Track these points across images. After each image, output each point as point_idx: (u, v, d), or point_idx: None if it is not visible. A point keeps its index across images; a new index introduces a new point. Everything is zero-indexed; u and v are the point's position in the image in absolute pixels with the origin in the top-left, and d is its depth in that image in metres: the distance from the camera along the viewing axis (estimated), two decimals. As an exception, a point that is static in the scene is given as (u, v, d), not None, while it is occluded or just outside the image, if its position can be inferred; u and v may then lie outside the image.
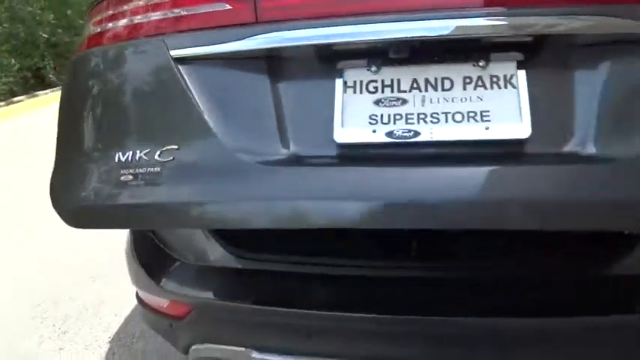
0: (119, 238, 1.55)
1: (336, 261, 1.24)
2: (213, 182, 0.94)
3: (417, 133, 0.91)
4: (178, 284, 1.27)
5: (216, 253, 1.26)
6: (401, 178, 0.89)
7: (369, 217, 0.89)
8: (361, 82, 0.97)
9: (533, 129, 0.88)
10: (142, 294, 1.38)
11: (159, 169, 0.94)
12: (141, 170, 0.95)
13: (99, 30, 1.11)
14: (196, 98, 0.96)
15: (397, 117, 0.93)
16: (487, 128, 0.89)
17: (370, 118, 0.94)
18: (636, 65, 0.87)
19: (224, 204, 0.94)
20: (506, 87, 0.91)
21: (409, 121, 0.92)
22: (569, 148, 0.87)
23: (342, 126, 0.95)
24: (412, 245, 1.22)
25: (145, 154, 0.95)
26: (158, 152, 0.95)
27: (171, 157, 0.94)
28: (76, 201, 1.02)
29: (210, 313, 1.27)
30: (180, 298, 1.26)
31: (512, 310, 1.08)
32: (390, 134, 0.92)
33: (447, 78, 0.94)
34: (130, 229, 1.35)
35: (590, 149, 0.86)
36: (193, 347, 1.29)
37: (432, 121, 0.91)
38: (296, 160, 0.96)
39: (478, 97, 0.92)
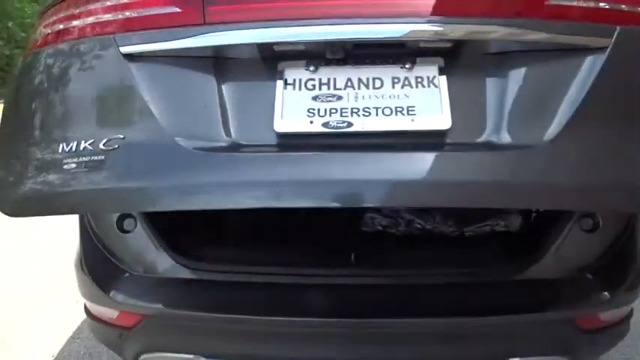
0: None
1: (280, 269, 1.32)
2: (156, 168, 1.00)
3: (350, 124, 1.01)
4: (128, 295, 1.30)
5: (166, 264, 1.30)
6: (335, 162, 0.99)
7: (304, 197, 0.98)
8: (300, 80, 1.07)
9: (453, 121, 1.00)
10: (90, 306, 1.40)
11: (103, 157, 0.99)
12: (85, 159, 0.99)
13: (49, 31, 1.15)
14: (144, 92, 1.02)
15: (333, 111, 1.03)
16: (413, 120, 1.01)
17: (308, 111, 1.03)
18: (537, 70, 1.03)
19: (166, 188, 1.00)
20: (429, 86, 1.04)
21: (343, 114, 1.02)
22: (484, 137, 1.02)
23: (282, 117, 1.03)
24: (350, 255, 1.34)
25: (89, 144, 1.00)
26: (103, 142, 1.00)
27: (116, 146, 0.99)
28: (18, 190, 1.04)
29: (159, 322, 1.31)
30: (129, 308, 1.30)
31: (434, 310, 1.24)
32: (325, 125, 1.01)
33: (378, 78, 1.06)
34: (77, 214, 1.36)
35: (502, 139, 1.01)
36: (143, 356, 1.32)
37: (364, 115, 1.02)
38: (237, 148, 1.03)
39: (405, 95, 1.04)
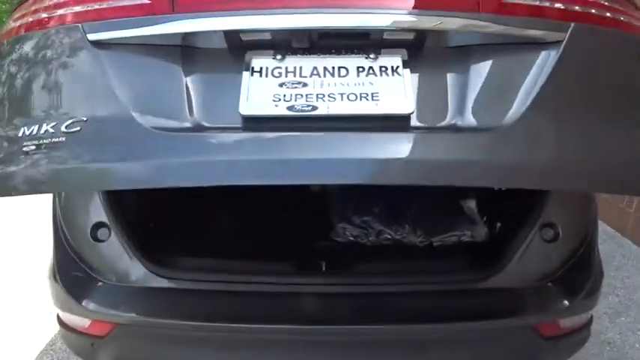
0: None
1: (254, 278, 1.35)
2: (116, 148, 1.00)
3: (315, 108, 1.03)
4: (100, 303, 1.31)
5: (139, 273, 1.31)
6: (298, 141, 1.01)
7: (266, 175, 1.00)
8: (267, 68, 1.09)
9: (416, 106, 1.04)
10: (63, 315, 1.40)
11: (64, 138, 0.99)
12: (46, 141, 0.99)
13: (19, 23, 1.17)
14: (109, 78, 1.03)
15: (298, 96, 1.05)
16: (377, 105, 1.04)
17: (274, 96, 1.05)
18: (497, 61, 1.08)
19: (124, 167, 1.00)
20: (393, 75, 1.08)
21: (309, 99, 1.04)
22: (446, 122, 1.06)
23: (247, 101, 1.05)
24: (320, 264, 1.38)
25: (51, 127, 1.00)
26: (66, 124, 1.00)
27: (79, 128, 1.00)
28: None
29: (131, 331, 1.32)
30: (102, 317, 1.30)
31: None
32: (290, 108, 1.03)
33: (343, 67, 1.09)
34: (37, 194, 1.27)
35: (463, 122, 1.05)
36: (115, 366, 1.34)
37: (329, 100, 1.04)
38: (200, 129, 1.05)
39: (370, 83, 1.07)
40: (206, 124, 1.06)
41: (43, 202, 1.56)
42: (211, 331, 1.29)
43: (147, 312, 1.32)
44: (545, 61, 1.03)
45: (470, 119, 1.04)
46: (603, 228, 3.26)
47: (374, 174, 0.99)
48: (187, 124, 1.04)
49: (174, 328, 1.29)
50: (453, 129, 1.04)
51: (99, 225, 1.34)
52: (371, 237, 1.55)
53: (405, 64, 1.08)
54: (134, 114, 1.01)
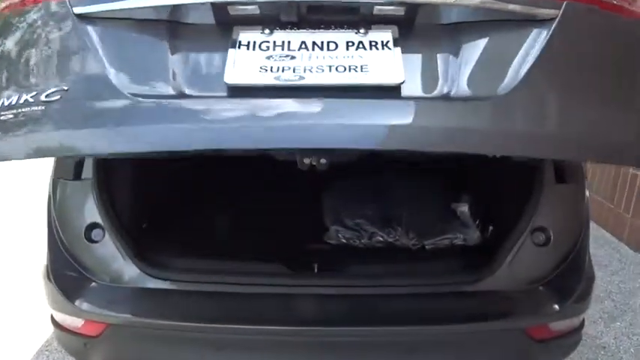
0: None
1: (247, 279, 1.36)
2: (98, 115, 0.99)
3: (302, 78, 1.01)
4: (94, 303, 1.32)
5: (133, 274, 1.32)
6: (283, 107, 1.00)
7: (255, 139, 0.99)
8: (255, 42, 1.07)
9: (406, 77, 1.02)
10: (56, 315, 1.41)
11: (43, 107, 0.99)
12: (25, 109, 0.99)
13: (4, 5, 1.17)
14: (93, 50, 1.02)
15: (286, 68, 1.02)
16: (366, 75, 1.02)
17: (260, 67, 1.03)
18: (490, 37, 1.07)
19: (107, 132, 0.99)
20: (383, 49, 1.06)
21: (296, 70, 1.02)
22: (436, 92, 1.04)
23: (233, 70, 1.02)
24: (312, 266, 1.39)
25: (31, 97, 1.00)
26: (46, 93, 1.00)
27: (59, 97, 0.99)
28: None
29: (124, 331, 1.33)
30: (95, 317, 1.32)
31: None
32: (277, 78, 1.01)
33: (333, 42, 1.07)
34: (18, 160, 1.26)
35: (453, 93, 1.03)
36: (108, 365, 1.35)
37: (317, 71, 1.02)
38: (183, 96, 1.03)
39: (359, 56, 1.05)
40: (190, 93, 1.04)
41: (39, 202, 1.57)
42: (204, 332, 1.30)
43: (140, 312, 1.33)
44: (536, 38, 1.03)
45: (461, 90, 1.03)
46: (600, 233, 3.27)
47: (362, 138, 0.98)
48: (170, 92, 1.03)
49: (167, 328, 1.30)
50: (444, 98, 1.03)
51: (93, 226, 1.35)
52: (363, 239, 1.55)
53: (396, 41, 1.07)
54: (116, 83, 1.00)
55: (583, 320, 1.45)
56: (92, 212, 1.35)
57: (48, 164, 1.46)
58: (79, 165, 1.39)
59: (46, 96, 1.00)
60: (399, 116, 1.01)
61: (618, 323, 2.31)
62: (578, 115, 1.01)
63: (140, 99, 0.99)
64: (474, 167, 1.76)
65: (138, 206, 1.49)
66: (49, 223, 1.41)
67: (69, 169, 1.39)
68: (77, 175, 1.39)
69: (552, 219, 1.35)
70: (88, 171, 1.38)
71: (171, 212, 1.70)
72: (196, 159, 1.80)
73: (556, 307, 1.32)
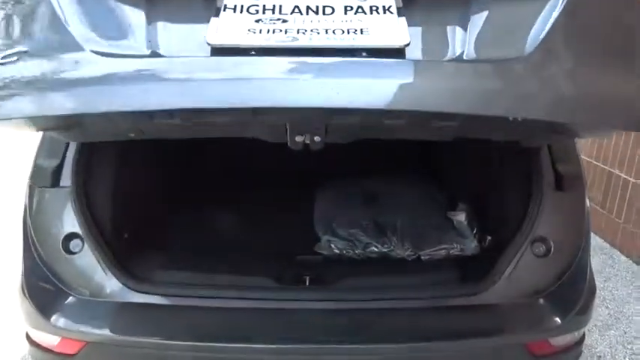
0: None
1: (231, 293, 1.30)
2: (65, 73, 0.95)
3: (295, 39, 0.93)
4: (71, 320, 1.26)
5: (113, 287, 1.26)
6: (271, 65, 0.92)
7: (242, 97, 0.92)
8: (242, 5, 0.99)
9: (411, 39, 0.94)
10: (32, 332, 1.34)
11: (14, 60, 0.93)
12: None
13: None
14: (62, 13, 0.96)
15: (277, 30, 0.94)
16: (367, 37, 0.95)
17: (248, 30, 0.95)
18: (494, 6, 1.01)
19: (74, 92, 0.95)
20: (385, 13, 0.99)
21: (289, 33, 0.94)
22: (447, 55, 0.98)
23: (217, 32, 0.95)
24: (304, 279, 1.33)
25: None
26: (3, 54, 0.95)
27: (16, 58, 0.94)
28: None
29: (103, 349, 1.27)
30: (72, 334, 1.25)
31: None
32: (267, 39, 0.93)
33: (329, 6, 0.99)
34: None
35: (462, 56, 0.97)
36: (86, 386, 1.27)
37: (311, 33, 0.94)
38: (159, 55, 0.97)
39: (359, 20, 0.97)
40: (167, 53, 0.97)
41: (13, 211, 1.49)
42: (190, 350, 1.23)
43: (120, 329, 1.26)
44: (545, 5, 0.97)
45: (470, 53, 0.97)
46: (592, 239, 3.25)
47: (362, 96, 0.91)
48: (145, 52, 0.96)
49: (150, 347, 1.23)
50: (455, 60, 0.98)
51: (71, 236, 1.28)
52: (357, 250, 1.49)
53: (400, 10, 1.00)
54: (81, 42, 0.94)
55: (584, 334, 1.41)
56: (70, 221, 1.29)
57: (24, 170, 1.40)
58: (57, 171, 1.33)
59: (2, 57, 0.94)
60: (404, 75, 0.94)
61: (613, 331, 2.29)
62: (594, 80, 0.96)
63: (111, 58, 0.93)
64: (471, 173, 1.72)
65: (119, 215, 1.42)
66: (24, 234, 1.34)
67: (46, 175, 1.33)
68: (55, 182, 1.33)
69: (553, 228, 1.31)
70: (66, 178, 1.32)
71: (155, 222, 1.63)
72: (181, 165, 1.72)
73: (557, 320, 1.28)
